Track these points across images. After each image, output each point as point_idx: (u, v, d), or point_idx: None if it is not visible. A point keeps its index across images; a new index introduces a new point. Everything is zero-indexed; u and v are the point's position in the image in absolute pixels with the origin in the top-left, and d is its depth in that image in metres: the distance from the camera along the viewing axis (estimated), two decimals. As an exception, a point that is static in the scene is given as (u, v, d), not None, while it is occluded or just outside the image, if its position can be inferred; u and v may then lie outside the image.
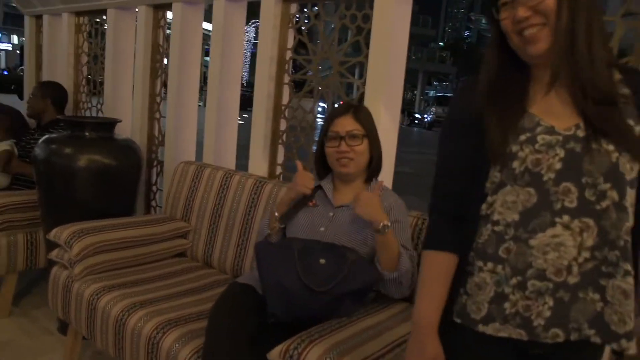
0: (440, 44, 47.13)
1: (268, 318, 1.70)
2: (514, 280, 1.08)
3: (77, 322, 2.24)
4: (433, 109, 27.41)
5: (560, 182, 1.04)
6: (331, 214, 1.86)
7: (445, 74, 45.82)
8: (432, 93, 44.73)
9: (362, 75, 2.29)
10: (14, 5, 4.68)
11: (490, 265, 1.11)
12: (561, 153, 1.04)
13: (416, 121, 29.16)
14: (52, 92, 3.48)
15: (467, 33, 48.73)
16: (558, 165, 1.04)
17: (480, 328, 1.11)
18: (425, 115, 29.17)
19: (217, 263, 2.50)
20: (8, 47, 18.86)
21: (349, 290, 1.64)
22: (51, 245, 2.41)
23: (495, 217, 1.10)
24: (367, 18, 2.23)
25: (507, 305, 1.09)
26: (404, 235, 1.79)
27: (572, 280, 1.05)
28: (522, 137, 1.07)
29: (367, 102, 2.18)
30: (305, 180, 1.89)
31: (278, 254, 1.72)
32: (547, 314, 1.06)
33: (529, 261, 1.06)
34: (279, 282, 1.65)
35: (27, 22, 4.56)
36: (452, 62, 43.07)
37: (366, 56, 2.22)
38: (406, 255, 1.72)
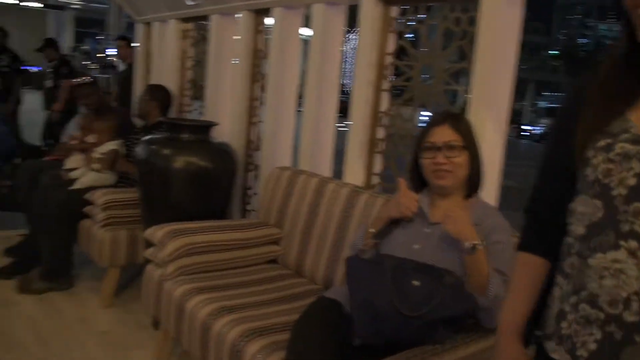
0: (552, 52, 44.81)
1: (354, 338, 1.61)
2: (572, 299, 0.97)
3: (166, 320, 2.27)
4: (543, 120, 26.27)
5: (631, 201, 0.89)
6: (427, 230, 1.74)
7: (557, 84, 43.57)
8: (542, 104, 42.68)
9: (466, 82, 2.15)
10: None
11: (559, 278, 1.02)
12: (637, 167, 0.89)
13: (524, 133, 28.02)
14: (159, 94, 3.61)
15: (583, 40, 46.05)
16: (632, 181, 0.89)
17: (546, 343, 1.03)
18: (535, 128, 28.00)
19: (308, 273, 2.44)
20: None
21: (443, 316, 1.51)
22: (149, 243, 2.46)
23: (571, 227, 1.00)
24: (473, 21, 2.08)
25: (564, 324, 0.98)
26: (504, 259, 1.63)
27: (629, 317, 0.89)
28: (602, 143, 0.94)
29: (471, 112, 2.04)
30: (410, 202, 1.77)
31: (369, 272, 1.62)
32: (592, 347, 0.93)
33: (584, 282, 0.94)
34: (368, 302, 1.55)
35: (139, 29, 4.80)
36: (566, 70, 40.85)
37: (471, 62, 2.08)
38: (500, 281, 1.57)
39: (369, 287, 1.58)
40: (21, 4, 23.25)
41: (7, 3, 22.90)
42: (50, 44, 6.56)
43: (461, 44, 2.18)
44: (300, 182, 2.59)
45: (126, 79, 5.77)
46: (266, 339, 1.82)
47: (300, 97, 3.04)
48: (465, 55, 2.15)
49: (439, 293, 1.52)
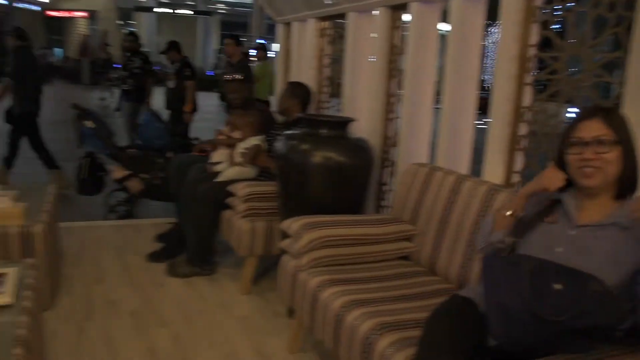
0: None
1: (488, 339, 1.55)
2: None
3: (300, 310, 2.34)
4: None
5: None
6: (572, 232, 1.62)
7: None
8: None
9: (620, 74, 1.98)
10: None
11: None
12: None
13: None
14: (299, 91, 3.71)
15: None
16: None
17: None
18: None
19: (442, 271, 2.39)
20: (271, 54, 21.27)
21: (586, 324, 1.40)
22: (285, 235, 2.56)
23: None
24: (632, 5, 1.91)
25: None
26: None
27: None
28: None
29: (626, 106, 1.87)
30: (553, 176, 1.68)
31: (505, 273, 1.54)
32: None
33: None
34: (502, 304, 1.49)
35: (279, 29, 4.99)
36: None
37: (627, 51, 1.91)
38: None
39: (504, 288, 1.51)
40: (175, 12, 25.35)
41: (164, 12, 25.14)
42: (174, 46, 7.02)
43: (616, 32, 2.01)
44: (436, 179, 2.55)
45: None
46: (397, 334, 1.81)
47: (437, 93, 2.98)
48: (620, 44, 1.98)
49: (583, 300, 1.41)
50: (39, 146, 5.66)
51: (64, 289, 3.15)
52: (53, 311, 2.86)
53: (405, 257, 2.60)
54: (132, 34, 7.76)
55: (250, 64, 7.35)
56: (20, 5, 24.01)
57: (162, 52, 7.14)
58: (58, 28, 25.91)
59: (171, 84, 6.87)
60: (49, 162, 5.71)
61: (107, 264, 3.59)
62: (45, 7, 24.78)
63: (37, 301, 1.99)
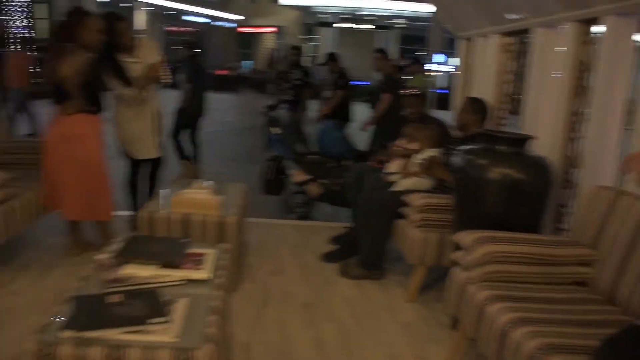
0: None
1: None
2: None
3: (465, 321, 2.37)
4: None
5: None
6: None
7: None
8: None
9: None
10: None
11: None
12: None
13: None
14: (478, 107, 3.72)
15: None
16: None
17: None
18: None
19: (623, 302, 2.26)
20: (450, 68, 21.07)
21: None
22: (457, 247, 2.60)
23: None
24: None
25: None
26: None
27: None
28: None
29: None
30: None
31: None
32: None
33: None
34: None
35: (460, 44, 5.01)
36: None
37: None
38: None
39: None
40: (354, 26, 26.40)
41: (345, 27, 26.36)
42: (332, 58, 7.29)
43: None
44: (623, 204, 2.41)
45: (377, 89, 6.18)
46: (564, 357, 1.78)
47: (629, 112, 2.81)
48: None
49: None
50: (176, 136, 6.40)
51: (246, 276, 3.49)
52: (237, 293, 3.20)
53: (581, 283, 2.50)
54: (295, 47, 8.28)
55: (404, 77, 7.44)
56: (219, 23, 26.66)
57: (323, 64, 7.55)
58: (247, 43, 28.28)
59: (328, 93, 7.21)
60: (182, 154, 6.49)
61: (284, 258, 3.90)
62: (241, 24, 27.21)
63: (228, 280, 2.27)
